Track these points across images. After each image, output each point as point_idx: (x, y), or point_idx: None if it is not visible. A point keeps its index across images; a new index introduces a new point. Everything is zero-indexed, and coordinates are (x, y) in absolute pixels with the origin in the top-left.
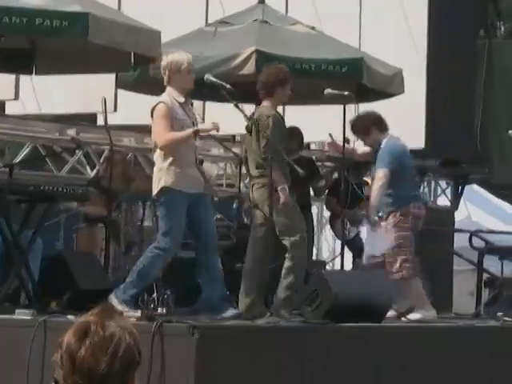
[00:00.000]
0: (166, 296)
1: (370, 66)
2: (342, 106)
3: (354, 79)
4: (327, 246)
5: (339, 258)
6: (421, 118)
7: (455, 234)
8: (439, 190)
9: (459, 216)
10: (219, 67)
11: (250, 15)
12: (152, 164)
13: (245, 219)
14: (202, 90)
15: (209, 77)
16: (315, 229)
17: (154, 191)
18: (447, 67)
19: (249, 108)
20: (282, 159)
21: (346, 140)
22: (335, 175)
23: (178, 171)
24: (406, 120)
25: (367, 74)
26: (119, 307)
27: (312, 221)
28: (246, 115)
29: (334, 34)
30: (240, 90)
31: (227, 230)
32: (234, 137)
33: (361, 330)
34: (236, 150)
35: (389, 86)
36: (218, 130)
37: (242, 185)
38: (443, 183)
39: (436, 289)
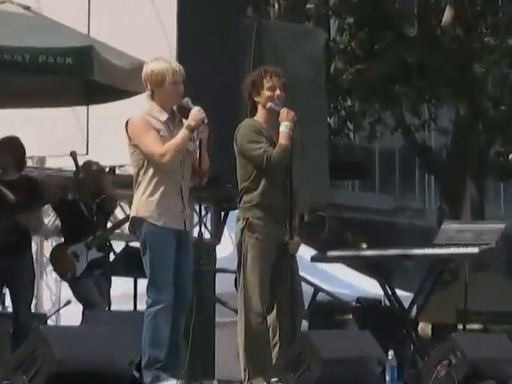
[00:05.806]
0: None
1: (102, 56)
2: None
3: (82, 74)
4: (49, 294)
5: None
6: None
7: (217, 275)
8: (195, 218)
9: (223, 251)
10: None
11: None
12: None
13: None
14: None
15: None
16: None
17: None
18: (202, 56)
19: None
20: None
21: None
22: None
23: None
24: None
25: (99, 67)
26: None
27: (32, 261)
28: None
29: (56, 16)
30: None
31: None
32: None
33: None
34: None
35: (128, 82)
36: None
37: None
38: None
39: (194, 350)
